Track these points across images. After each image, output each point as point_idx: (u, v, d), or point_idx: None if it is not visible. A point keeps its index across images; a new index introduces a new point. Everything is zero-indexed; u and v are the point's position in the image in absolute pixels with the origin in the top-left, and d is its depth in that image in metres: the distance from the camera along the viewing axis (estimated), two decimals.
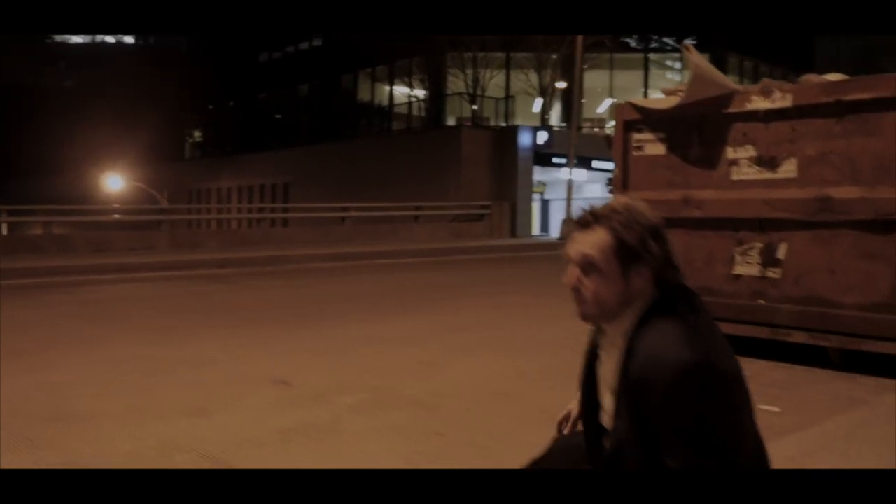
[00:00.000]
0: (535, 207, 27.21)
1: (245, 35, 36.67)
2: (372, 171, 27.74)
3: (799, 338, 5.63)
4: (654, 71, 32.20)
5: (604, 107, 32.17)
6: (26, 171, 45.75)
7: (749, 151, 5.80)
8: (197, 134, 47.84)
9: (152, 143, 40.98)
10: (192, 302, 10.04)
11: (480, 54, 29.32)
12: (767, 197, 5.68)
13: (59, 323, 8.17)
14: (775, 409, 4.49)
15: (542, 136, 26.08)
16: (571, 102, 24.46)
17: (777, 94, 5.63)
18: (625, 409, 1.77)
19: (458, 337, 7.06)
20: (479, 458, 3.74)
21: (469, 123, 29.27)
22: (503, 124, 28.79)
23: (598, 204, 1.87)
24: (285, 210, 27.82)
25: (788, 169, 5.61)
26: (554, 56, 28.22)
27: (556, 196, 27.01)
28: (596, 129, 30.34)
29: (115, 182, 32.00)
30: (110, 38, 54.34)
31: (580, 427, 2.11)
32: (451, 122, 31.21)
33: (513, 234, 24.75)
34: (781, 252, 5.68)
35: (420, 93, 33.07)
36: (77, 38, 54.10)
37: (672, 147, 6.23)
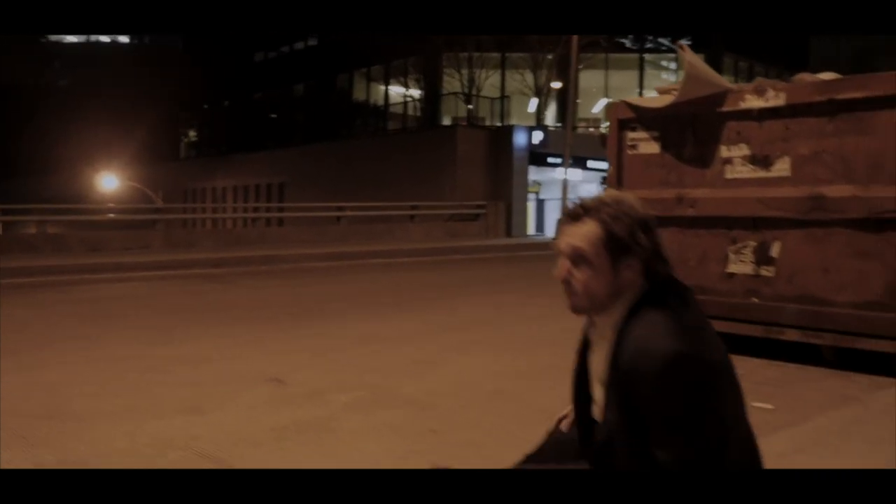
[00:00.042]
0: (531, 207, 27.22)
1: (240, 35, 36.63)
2: (367, 171, 27.74)
3: (792, 336, 5.65)
4: (649, 71, 32.22)
5: (599, 107, 32.18)
6: (21, 171, 45.66)
7: (743, 150, 5.82)
8: (192, 133, 47.79)
9: (147, 143, 40.95)
10: (187, 301, 10.03)
11: (476, 54, 29.35)
12: (761, 195, 5.71)
13: (54, 322, 8.16)
14: (769, 406, 4.51)
15: (538, 136, 26.10)
16: (567, 102, 24.44)
17: (770, 93, 5.65)
18: (614, 400, 1.79)
19: (454, 336, 7.07)
20: (475, 456, 3.75)
21: (464, 123, 29.30)
22: (499, 124, 28.83)
23: (589, 197, 1.89)
24: (280, 210, 27.78)
25: (782, 167, 5.64)
26: (549, 56, 28.24)
27: (552, 196, 27.03)
28: (591, 129, 30.36)
29: (109, 181, 31.94)
30: (105, 38, 54.21)
31: None
32: (446, 121, 31.22)
33: (508, 233, 24.78)
34: (775, 250, 5.70)
35: (416, 92, 33.08)
36: (72, 38, 53.96)
37: (666, 146, 6.25)
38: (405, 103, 33.44)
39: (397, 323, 7.83)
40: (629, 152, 6.46)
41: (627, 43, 31.26)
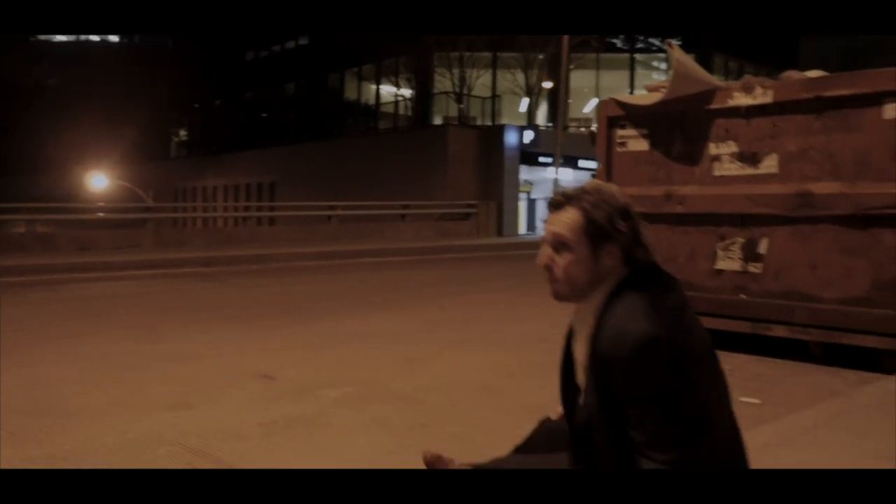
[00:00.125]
0: (522, 206, 27.25)
1: (231, 34, 36.51)
2: (358, 170, 27.71)
3: (780, 332, 5.69)
4: (640, 71, 32.30)
5: (590, 106, 32.21)
6: (10, 170, 45.40)
7: (731, 147, 5.86)
8: (182, 133, 47.63)
9: (137, 142, 40.78)
10: (177, 299, 10.01)
11: (467, 54, 29.36)
12: (749, 192, 5.74)
13: (44, 319, 8.14)
14: (756, 400, 4.55)
15: (529, 136, 26.13)
16: (558, 102, 24.50)
17: (758, 91, 5.69)
18: (593, 384, 1.81)
19: (444, 333, 7.09)
20: (464, 451, 3.75)
21: (456, 123, 29.29)
22: (490, 124, 28.81)
23: (570, 186, 1.92)
24: (271, 209, 27.73)
25: (769, 164, 5.68)
26: (540, 56, 28.29)
27: (543, 195, 27.06)
28: (582, 129, 30.37)
29: (99, 181, 31.79)
30: (95, 37, 53.96)
31: None
32: (437, 121, 31.21)
33: (499, 233, 24.79)
34: (763, 247, 5.74)
35: (407, 92, 33.07)
36: (61, 37, 53.69)
37: (655, 143, 6.28)
38: (396, 103, 33.43)
39: (388, 321, 7.84)
40: (618, 150, 6.49)
41: (618, 43, 31.34)
